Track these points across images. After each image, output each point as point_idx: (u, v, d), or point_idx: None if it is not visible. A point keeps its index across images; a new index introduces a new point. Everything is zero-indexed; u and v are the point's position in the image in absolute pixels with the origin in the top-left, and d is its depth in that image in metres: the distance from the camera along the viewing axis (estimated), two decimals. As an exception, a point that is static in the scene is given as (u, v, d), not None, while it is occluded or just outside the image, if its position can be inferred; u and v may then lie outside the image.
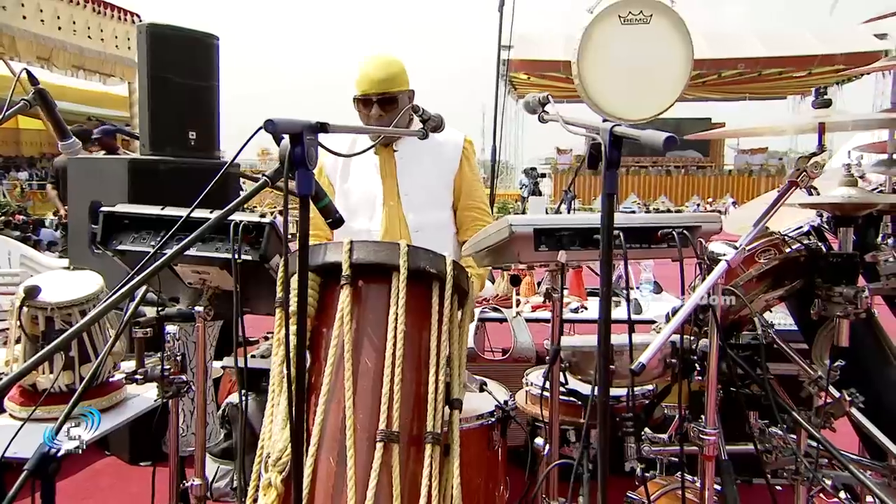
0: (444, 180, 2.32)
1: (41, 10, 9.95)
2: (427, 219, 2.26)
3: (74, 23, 10.60)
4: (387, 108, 2.21)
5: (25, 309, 1.77)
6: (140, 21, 11.80)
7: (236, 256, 1.53)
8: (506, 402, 1.95)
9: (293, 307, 1.36)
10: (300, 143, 1.14)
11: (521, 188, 19.40)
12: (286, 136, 1.17)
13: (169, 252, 1.29)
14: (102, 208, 1.67)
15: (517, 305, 3.57)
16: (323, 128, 1.19)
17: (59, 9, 10.29)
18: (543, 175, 22.27)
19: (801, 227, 1.93)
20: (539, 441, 1.98)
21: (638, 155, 23.89)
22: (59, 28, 10.30)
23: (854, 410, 1.70)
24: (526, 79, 20.67)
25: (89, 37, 10.96)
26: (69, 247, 3.89)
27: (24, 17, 9.62)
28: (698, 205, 24.21)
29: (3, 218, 11.64)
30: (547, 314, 3.45)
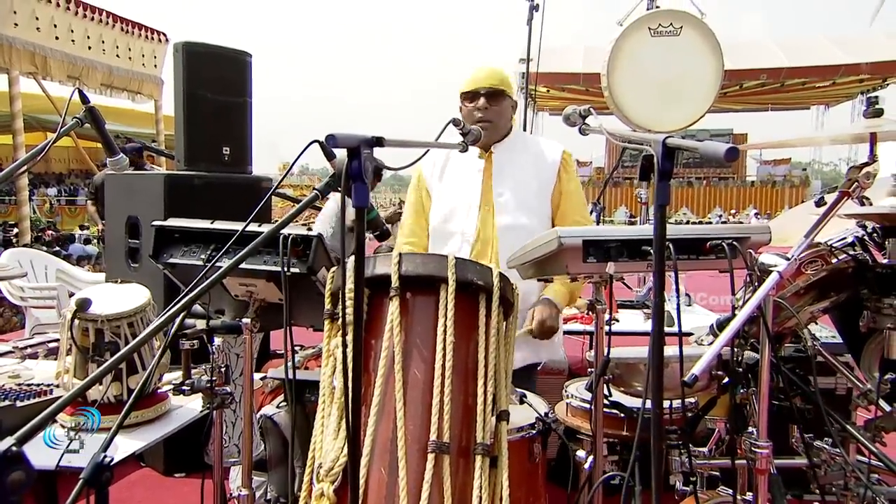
0: (540, 190, 2.34)
1: (72, 31, 10.22)
2: (514, 222, 2.29)
3: (103, 42, 10.88)
4: (492, 101, 2.30)
5: (77, 321, 1.81)
6: (166, 40, 12.09)
7: (285, 269, 1.55)
8: (546, 415, 1.94)
9: (344, 319, 1.38)
10: (357, 156, 1.17)
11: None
12: (340, 150, 1.20)
13: (223, 266, 1.31)
14: (155, 222, 1.70)
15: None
16: (379, 142, 1.21)
17: (89, 29, 10.56)
18: (564, 187, 22.24)
19: (844, 237, 1.91)
20: (581, 454, 1.97)
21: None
22: (89, 48, 10.56)
23: (906, 424, 1.67)
24: (545, 91, 20.75)
25: (118, 55, 11.23)
26: (106, 261, 3.96)
27: (57, 38, 9.89)
28: (720, 216, 24.01)
29: (33, 234, 11.85)
30: (578, 326, 3.45)
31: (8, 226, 13.44)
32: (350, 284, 1.36)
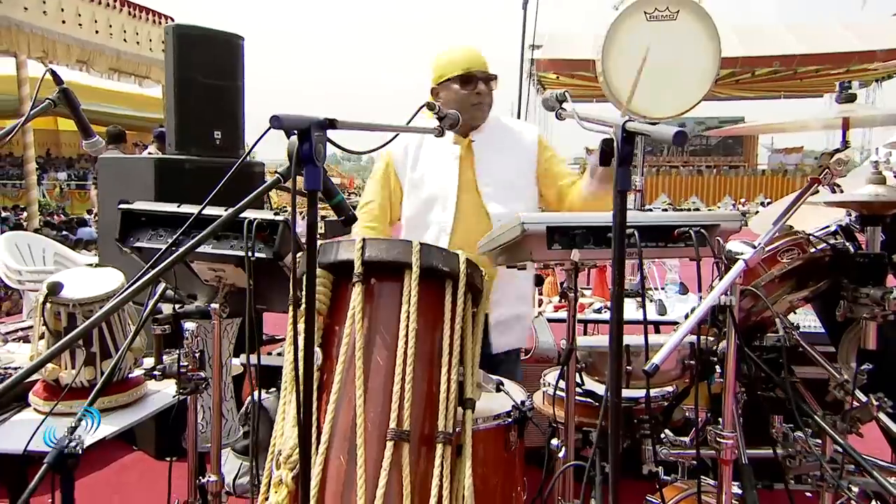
0: (525, 174, 2.31)
1: (80, 15, 10.21)
2: (507, 210, 2.20)
3: (111, 26, 10.86)
4: (490, 86, 2.27)
5: (49, 305, 1.81)
6: (174, 23, 12.05)
7: (250, 254, 1.53)
8: (523, 403, 1.93)
9: (296, 304, 1.36)
10: (308, 139, 1.14)
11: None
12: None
13: (180, 249, 1.30)
14: (121, 205, 1.69)
15: (539, 305, 3.54)
16: (331, 124, 1.18)
17: (97, 13, 10.54)
18: (573, 175, 22.16)
19: (828, 226, 1.87)
20: (555, 442, 1.95)
21: (669, 154, 23.54)
22: (97, 32, 10.55)
23: (882, 416, 1.64)
24: (555, 78, 20.51)
25: (125, 40, 11.21)
26: (100, 245, 3.98)
27: (64, 22, 9.89)
28: (731, 205, 23.82)
29: (42, 218, 11.94)
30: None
31: (19, 209, 13.56)
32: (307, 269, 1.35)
